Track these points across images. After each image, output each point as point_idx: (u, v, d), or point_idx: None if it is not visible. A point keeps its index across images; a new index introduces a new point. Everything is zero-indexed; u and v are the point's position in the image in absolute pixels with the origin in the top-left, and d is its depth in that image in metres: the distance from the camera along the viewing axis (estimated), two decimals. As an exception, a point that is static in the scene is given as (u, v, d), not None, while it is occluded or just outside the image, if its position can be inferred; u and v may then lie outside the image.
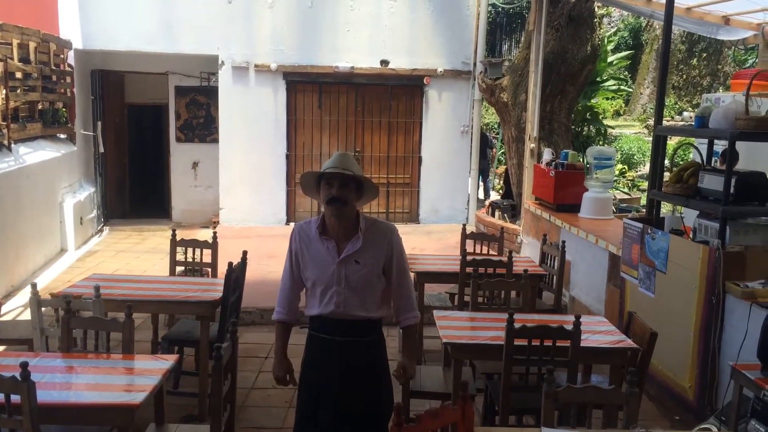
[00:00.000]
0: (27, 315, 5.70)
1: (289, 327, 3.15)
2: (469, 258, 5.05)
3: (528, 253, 7.59)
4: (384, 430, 2.97)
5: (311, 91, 10.35)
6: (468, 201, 10.77)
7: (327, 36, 10.13)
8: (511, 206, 9.21)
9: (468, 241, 6.09)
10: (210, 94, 10.69)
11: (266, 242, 9.00)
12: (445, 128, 10.58)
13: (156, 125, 11.77)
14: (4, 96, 7.30)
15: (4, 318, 5.93)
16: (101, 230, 10.19)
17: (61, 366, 3.25)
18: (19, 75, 7.84)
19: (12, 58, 7.62)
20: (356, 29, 10.15)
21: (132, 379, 3.15)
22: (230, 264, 4.33)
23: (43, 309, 3.86)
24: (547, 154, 7.75)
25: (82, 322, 3.53)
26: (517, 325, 3.40)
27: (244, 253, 4.78)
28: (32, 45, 8.24)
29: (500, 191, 12.75)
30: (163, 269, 7.22)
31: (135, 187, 12.01)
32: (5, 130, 7.33)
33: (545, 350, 3.41)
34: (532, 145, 8.10)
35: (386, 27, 10.20)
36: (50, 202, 8.39)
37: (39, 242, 7.90)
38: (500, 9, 15.89)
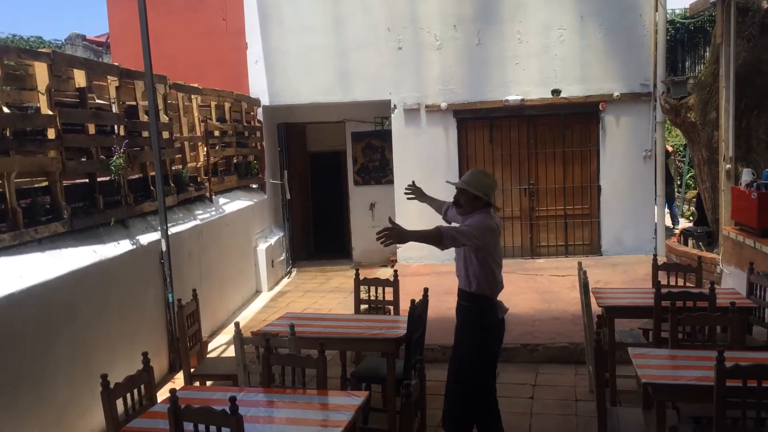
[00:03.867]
0: (230, 352, 6.18)
1: None
2: (663, 291, 4.68)
3: (731, 284, 6.89)
4: None
5: (482, 127, 10.36)
6: (655, 230, 10.07)
7: (495, 71, 10.12)
8: (706, 233, 8.46)
9: (659, 272, 5.68)
10: (384, 137, 11.09)
11: (442, 279, 9.00)
12: (625, 154, 10.04)
13: (335, 170, 12.43)
14: (205, 153, 8.14)
15: (210, 355, 6.50)
16: (290, 272, 10.87)
17: (263, 400, 3.46)
18: (216, 133, 8.70)
19: (211, 119, 8.49)
20: (525, 61, 10.04)
21: (327, 414, 3.27)
22: (413, 301, 4.39)
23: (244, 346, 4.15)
24: (746, 175, 7.04)
25: (280, 358, 3.74)
26: (728, 363, 3.07)
27: (425, 290, 4.82)
28: (227, 105, 9.13)
29: (691, 218, 11.80)
30: (347, 307, 7.50)
31: (318, 230, 12.72)
32: (207, 184, 8.14)
33: (764, 392, 3.04)
34: (728, 165, 7.42)
35: (556, 56, 9.98)
36: (246, 247, 9.13)
37: (237, 284, 8.59)
38: (679, 25, 14.92)
